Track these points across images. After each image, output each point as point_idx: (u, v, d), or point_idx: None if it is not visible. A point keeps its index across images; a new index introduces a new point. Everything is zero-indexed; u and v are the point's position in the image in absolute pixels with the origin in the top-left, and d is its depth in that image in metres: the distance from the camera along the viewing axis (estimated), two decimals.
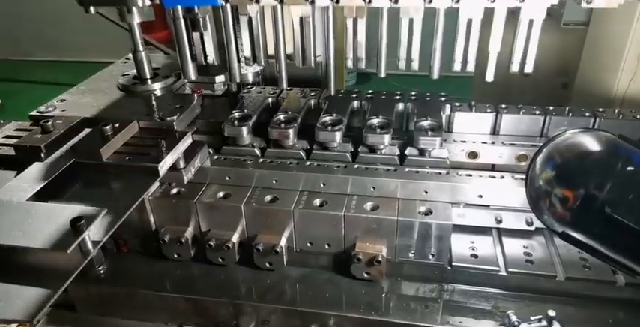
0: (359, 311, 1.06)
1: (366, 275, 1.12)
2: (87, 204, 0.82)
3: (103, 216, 0.75)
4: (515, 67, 1.03)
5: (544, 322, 0.85)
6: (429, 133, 1.15)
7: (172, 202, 1.15)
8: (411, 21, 1.00)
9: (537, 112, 1.24)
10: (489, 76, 1.03)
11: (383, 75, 1.08)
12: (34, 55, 5.21)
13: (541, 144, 0.74)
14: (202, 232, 1.18)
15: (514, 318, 0.85)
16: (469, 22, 0.99)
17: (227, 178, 1.18)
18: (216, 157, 1.21)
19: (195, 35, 1.05)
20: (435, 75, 1.06)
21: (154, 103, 1.06)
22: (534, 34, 0.99)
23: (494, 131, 1.25)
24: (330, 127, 1.18)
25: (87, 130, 0.97)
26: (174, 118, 1.00)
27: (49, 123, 0.97)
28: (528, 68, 1.02)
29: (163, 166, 0.91)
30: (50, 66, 5.02)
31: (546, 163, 0.70)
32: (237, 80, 1.12)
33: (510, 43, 1.02)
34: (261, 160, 1.20)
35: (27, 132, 1.02)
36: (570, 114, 1.23)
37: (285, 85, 1.11)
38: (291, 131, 1.17)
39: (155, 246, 1.20)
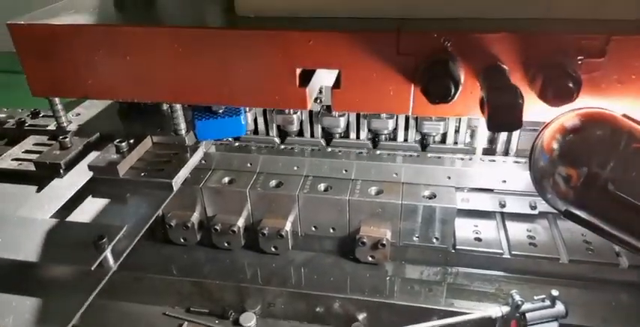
0: (363, 294, 1.07)
1: (370, 259, 1.13)
2: (106, 219, 0.86)
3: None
4: (499, 150, 1.14)
5: (547, 302, 0.86)
6: (433, 117, 1.15)
7: (178, 188, 1.16)
8: None
9: None
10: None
11: None
12: None
13: None
14: (208, 217, 1.19)
15: (517, 297, 0.86)
16: None
17: (232, 164, 1.19)
18: (220, 142, 1.21)
19: None
20: None
21: (165, 117, 1.07)
22: None
23: None
24: (334, 113, 1.18)
25: (103, 146, 0.99)
26: (185, 133, 1.01)
27: (67, 139, 0.99)
28: (512, 151, 1.14)
29: (177, 182, 0.93)
30: None
31: (550, 142, 0.70)
32: None
33: None
34: (265, 145, 1.20)
35: (45, 147, 1.05)
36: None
37: None
38: (295, 117, 1.17)
39: (162, 231, 1.21)
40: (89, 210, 0.88)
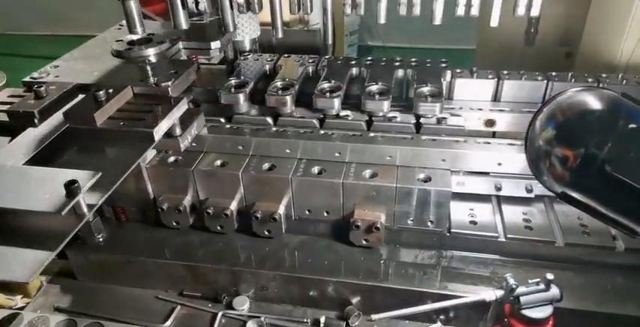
0: (357, 278, 1.07)
1: (364, 242, 1.12)
2: (82, 169, 0.82)
3: (97, 179, 0.75)
4: (520, 11, 1.01)
5: (542, 286, 0.85)
6: (429, 99, 1.13)
7: (170, 170, 1.14)
8: None
9: (539, 78, 1.22)
10: (494, 22, 1.03)
11: (383, 21, 1.08)
12: (33, 30, 5.14)
13: None
14: (201, 200, 1.17)
15: (512, 281, 0.85)
16: None
17: (225, 146, 1.17)
18: (211, 124, 1.19)
19: None
20: (437, 21, 1.06)
21: (148, 68, 1.04)
22: None
23: (496, 98, 1.23)
24: (328, 94, 1.16)
25: (80, 96, 0.95)
26: (169, 83, 0.98)
27: (42, 88, 0.95)
28: (535, 11, 1.00)
29: (158, 131, 0.90)
30: (49, 40, 4.95)
31: (547, 122, 0.68)
32: (231, 29, 1.10)
33: None
34: (257, 127, 1.18)
35: (20, 98, 1.01)
36: (573, 80, 1.21)
37: (280, 35, 1.09)
38: (288, 98, 1.15)
39: (154, 214, 1.20)
40: (65, 160, 0.85)
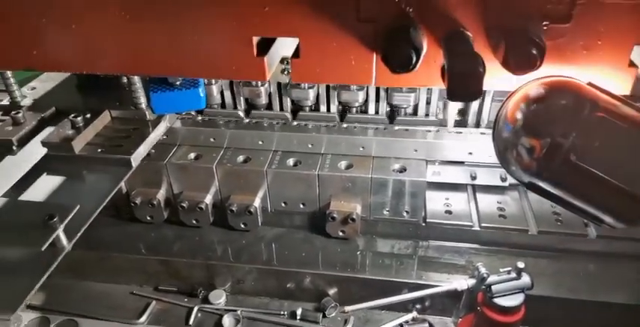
0: (335, 269, 1.07)
1: (341, 234, 1.12)
2: (60, 198, 0.82)
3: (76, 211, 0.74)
4: None
5: (513, 274, 0.86)
6: (404, 89, 1.12)
7: (142, 164, 1.10)
8: None
9: None
10: None
11: None
12: None
13: None
14: (175, 194, 1.16)
15: (483, 270, 0.85)
16: None
17: (198, 139, 1.15)
18: (185, 117, 1.17)
19: None
20: None
21: (126, 90, 1.02)
22: None
23: None
24: (303, 85, 1.15)
25: (58, 120, 0.94)
26: (145, 107, 0.96)
27: (20, 115, 0.93)
28: None
29: (136, 158, 0.89)
30: None
31: (514, 112, 0.68)
32: None
33: None
34: (230, 119, 1.16)
35: None
36: None
37: None
38: (262, 89, 1.13)
39: (127, 209, 1.18)
40: (43, 189, 0.84)
